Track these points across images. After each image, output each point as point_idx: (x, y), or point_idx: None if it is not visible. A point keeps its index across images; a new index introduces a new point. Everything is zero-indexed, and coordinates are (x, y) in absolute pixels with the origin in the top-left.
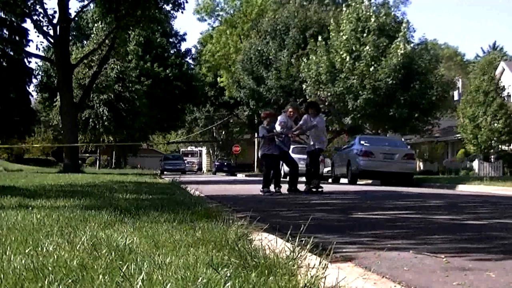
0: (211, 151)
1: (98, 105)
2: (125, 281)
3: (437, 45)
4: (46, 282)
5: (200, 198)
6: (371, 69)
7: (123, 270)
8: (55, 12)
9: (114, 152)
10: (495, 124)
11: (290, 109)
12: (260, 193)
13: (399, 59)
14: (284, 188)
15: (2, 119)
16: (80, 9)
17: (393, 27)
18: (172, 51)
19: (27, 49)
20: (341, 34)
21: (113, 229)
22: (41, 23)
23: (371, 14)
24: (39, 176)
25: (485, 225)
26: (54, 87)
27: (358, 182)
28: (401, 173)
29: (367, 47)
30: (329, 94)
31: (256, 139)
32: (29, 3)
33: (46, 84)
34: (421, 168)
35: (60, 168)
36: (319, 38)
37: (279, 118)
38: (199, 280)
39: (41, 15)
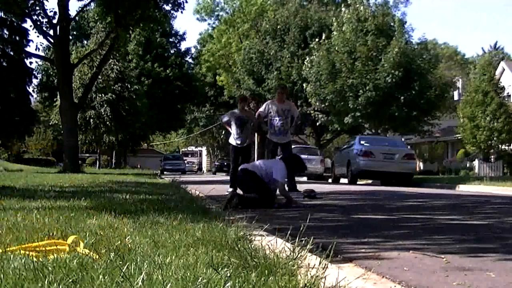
0: (211, 151)
1: (100, 105)
2: (125, 281)
3: (437, 44)
4: (46, 282)
5: (200, 198)
6: (366, 68)
7: (123, 270)
8: (55, 12)
9: (114, 152)
10: (495, 124)
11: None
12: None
13: (394, 56)
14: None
15: (2, 119)
16: (80, 9)
17: (392, 27)
18: (172, 51)
19: (27, 49)
20: (342, 33)
21: (113, 229)
22: (41, 23)
23: (369, 14)
24: (39, 176)
25: (485, 225)
26: (54, 87)
27: (358, 182)
28: (401, 173)
29: (359, 46)
30: (329, 93)
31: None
32: (29, 3)
33: (46, 84)
34: (421, 168)
35: (60, 168)
36: (322, 37)
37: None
38: (199, 280)
39: (41, 15)
